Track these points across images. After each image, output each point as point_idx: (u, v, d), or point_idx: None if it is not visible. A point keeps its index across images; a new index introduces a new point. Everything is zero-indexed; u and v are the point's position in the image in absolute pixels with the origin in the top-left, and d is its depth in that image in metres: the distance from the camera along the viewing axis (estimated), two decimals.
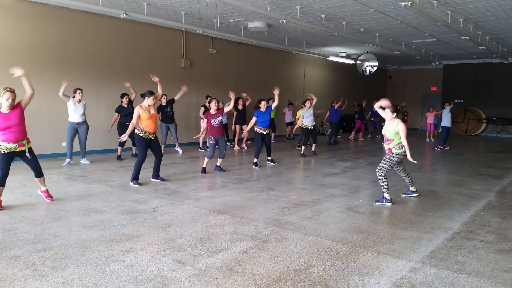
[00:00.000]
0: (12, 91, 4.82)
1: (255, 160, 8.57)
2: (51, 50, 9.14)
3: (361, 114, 15.09)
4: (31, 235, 4.10)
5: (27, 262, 3.42)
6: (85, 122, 8.55)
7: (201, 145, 11.28)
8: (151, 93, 6.51)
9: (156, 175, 6.94)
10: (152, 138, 6.58)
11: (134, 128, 6.48)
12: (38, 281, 3.08)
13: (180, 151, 10.72)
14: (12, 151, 4.91)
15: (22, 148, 4.99)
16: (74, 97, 8.29)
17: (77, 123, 8.39)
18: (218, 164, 7.96)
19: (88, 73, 9.82)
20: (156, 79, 7.15)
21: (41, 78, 8.96)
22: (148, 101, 6.47)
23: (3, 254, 3.59)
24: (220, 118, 7.65)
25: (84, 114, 8.48)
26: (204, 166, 7.69)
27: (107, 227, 4.37)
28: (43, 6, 8.84)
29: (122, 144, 8.79)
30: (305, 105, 10.33)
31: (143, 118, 6.42)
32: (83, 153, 8.73)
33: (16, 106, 4.90)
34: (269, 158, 8.97)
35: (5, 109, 4.82)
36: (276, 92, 8.31)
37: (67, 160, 8.46)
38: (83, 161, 8.74)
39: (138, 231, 4.29)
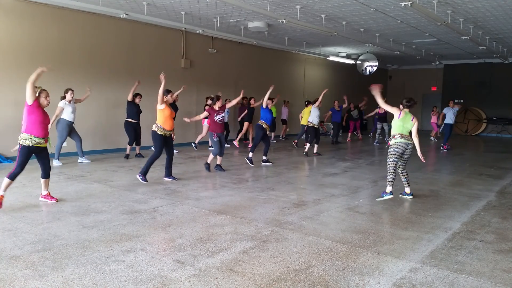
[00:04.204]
0: (46, 90, 5.20)
1: (250, 155, 8.53)
2: (51, 50, 9.14)
3: (350, 116, 15.25)
4: (31, 235, 4.10)
5: (27, 262, 3.42)
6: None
7: (196, 142, 11.34)
8: (168, 91, 6.74)
9: (168, 174, 7.00)
10: (168, 135, 6.71)
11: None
12: (38, 281, 3.08)
13: (175, 151, 10.73)
14: (36, 145, 5.01)
15: (44, 145, 5.14)
16: (64, 97, 8.24)
17: (72, 122, 8.40)
18: (218, 162, 7.97)
19: (88, 73, 9.82)
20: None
21: (41, 78, 8.91)
22: (168, 99, 6.72)
23: (3, 254, 3.59)
24: (223, 115, 7.74)
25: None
26: (209, 162, 7.75)
27: (107, 227, 4.37)
28: (43, 6, 8.84)
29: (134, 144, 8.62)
30: (316, 103, 10.60)
31: (165, 113, 6.60)
32: (81, 152, 8.69)
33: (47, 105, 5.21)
34: (264, 158, 8.94)
35: (41, 106, 5.08)
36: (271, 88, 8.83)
37: (57, 161, 8.34)
38: (83, 160, 8.74)
39: (138, 231, 4.29)
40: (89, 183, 6.70)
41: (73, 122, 8.40)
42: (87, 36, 9.75)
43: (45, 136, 5.09)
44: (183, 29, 11.54)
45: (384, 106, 5.83)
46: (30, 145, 4.96)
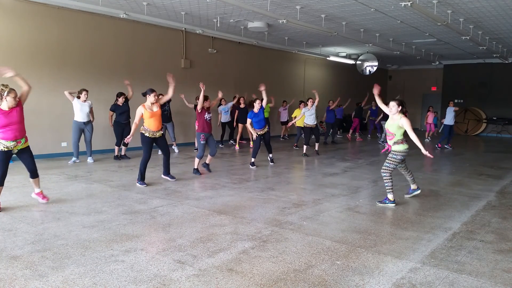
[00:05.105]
0: (14, 90, 4.84)
1: (252, 160, 8.55)
2: (51, 50, 9.14)
3: (359, 112, 15.02)
4: (31, 235, 4.10)
5: (27, 262, 3.42)
6: (90, 122, 8.62)
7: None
8: (152, 91, 6.53)
9: (166, 172, 6.98)
10: (157, 136, 6.60)
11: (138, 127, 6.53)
12: (38, 281, 3.08)
13: (176, 150, 10.73)
14: (11, 149, 4.92)
15: (20, 146, 4.99)
16: (79, 97, 8.38)
17: (83, 123, 8.46)
18: (207, 161, 7.91)
19: (88, 73, 9.82)
20: (171, 82, 6.77)
21: (41, 78, 8.96)
22: (150, 99, 6.48)
23: (3, 254, 3.59)
24: (210, 114, 7.67)
25: (89, 113, 8.56)
26: (196, 167, 7.66)
27: (107, 227, 4.37)
28: (43, 6, 8.84)
29: (126, 144, 8.75)
30: (307, 104, 10.39)
31: (145, 116, 6.44)
32: (89, 152, 8.82)
33: (16, 104, 4.89)
34: (270, 156, 9.01)
35: (5, 107, 4.82)
36: (262, 88, 8.23)
37: (73, 159, 8.56)
38: (89, 159, 8.83)
39: (138, 231, 4.29)
40: (89, 183, 6.70)
41: (84, 122, 8.48)
42: (87, 36, 9.75)
43: (16, 138, 4.90)
44: (183, 29, 11.54)
45: (413, 133, 5.44)
46: (4, 150, 4.86)
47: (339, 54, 16.55)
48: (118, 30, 10.33)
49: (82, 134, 8.62)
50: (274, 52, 15.15)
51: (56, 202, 5.39)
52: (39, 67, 8.99)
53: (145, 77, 10.95)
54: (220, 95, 8.16)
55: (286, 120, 14.71)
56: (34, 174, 5.23)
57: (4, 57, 8.42)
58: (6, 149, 4.88)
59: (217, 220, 4.70)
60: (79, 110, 8.37)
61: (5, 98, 4.75)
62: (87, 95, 8.43)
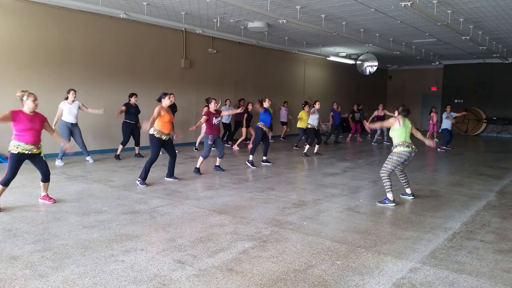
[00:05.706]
0: (34, 94, 4.97)
1: (251, 157, 8.52)
2: (51, 50, 9.14)
3: (353, 117, 15.15)
4: (31, 235, 4.10)
5: (27, 262, 3.42)
6: (77, 124, 8.44)
7: (196, 145, 11.33)
8: (165, 94, 6.64)
9: (170, 174, 6.99)
10: (166, 139, 6.63)
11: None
12: (38, 281, 3.08)
13: None
14: (31, 152, 4.94)
15: (38, 151, 5.04)
16: (67, 98, 8.26)
17: (71, 124, 8.35)
18: (217, 164, 7.98)
19: (88, 73, 9.82)
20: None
21: (41, 78, 8.96)
22: (165, 101, 6.59)
23: (3, 254, 3.59)
24: (219, 118, 7.71)
25: (78, 114, 8.41)
26: (198, 166, 7.66)
27: (107, 227, 4.37)
28: (43, 6, 8.84)
29: (138, 144, 8.60)
30: (314, 106, 10.61)
31: (164, 119, 6.51)
32: (85, 152, 8.73)
33: (40, 114, 5.06)
34: (264, 158, 8.97)
35: (27, 111, 4.91)
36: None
37: (58, 161, 8.39)
38: (89, 159, 8.78)
39: (138, 231, 4.29)
40: (89, 183, 6.70)
41: (72, 124, 8.34)
42: (87, 36, 9.75)
43: (36, 143, 4.95)
44: (183, 29, 11.54)
45: (385, 124, 5.82)
46: (20, 152, 4.87)
47: (339, 54, 16.54)
48: (118, 30, 10.32)
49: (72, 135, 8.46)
50: (274, 52, 15.15)
51: (56, 202, 5.39)
52: (39, 67, 8.98)
53: (145, 77, 10.95)
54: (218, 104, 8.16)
55: (286, 120, 14.72)
56: (47, 178, 5.27)
57: (4, 57, 8.43)
58: (23, 152, 4.89)
59: (217, 220, 4.71)
60: (68, 113, 8.25)
61: (25, 102, 4.88)
62: (75, 95, 8.27)
